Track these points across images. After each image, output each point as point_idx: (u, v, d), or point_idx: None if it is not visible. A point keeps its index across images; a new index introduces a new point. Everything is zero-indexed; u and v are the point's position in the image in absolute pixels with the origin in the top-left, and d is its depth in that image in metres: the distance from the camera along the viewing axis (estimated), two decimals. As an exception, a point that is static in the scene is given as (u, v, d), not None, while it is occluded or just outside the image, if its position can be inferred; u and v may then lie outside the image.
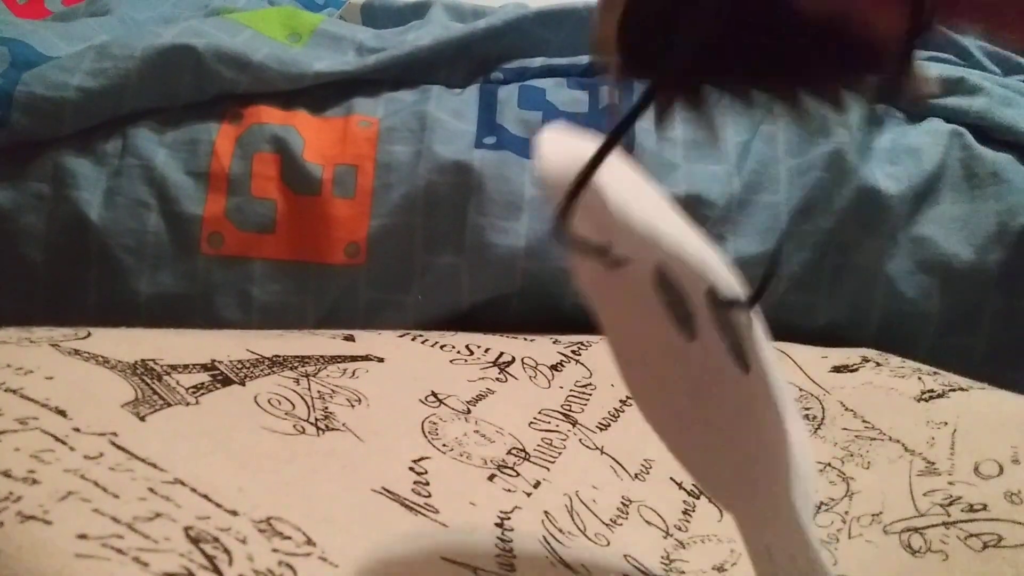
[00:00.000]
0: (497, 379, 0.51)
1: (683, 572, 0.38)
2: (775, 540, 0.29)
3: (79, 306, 0.60)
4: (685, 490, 0.44)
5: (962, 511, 0.39)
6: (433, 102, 0.63)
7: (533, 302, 0.62)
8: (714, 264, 0.27)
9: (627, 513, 0.42)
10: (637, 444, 0.47)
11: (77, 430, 0.33)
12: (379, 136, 0.62)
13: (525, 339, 0.56)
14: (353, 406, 0.44)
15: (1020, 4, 0.23)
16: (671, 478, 0.45)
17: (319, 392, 0.44)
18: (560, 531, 0.39)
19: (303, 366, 0.46)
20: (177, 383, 0.40)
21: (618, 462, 0.46)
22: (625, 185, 0.26)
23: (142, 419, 0.36)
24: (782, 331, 0.61)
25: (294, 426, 0.40)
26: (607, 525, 0.41)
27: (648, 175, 0.59)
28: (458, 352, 0.53)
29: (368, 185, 0.61)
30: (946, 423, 0.45)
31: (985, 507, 0.39)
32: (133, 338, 0.44)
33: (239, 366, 0.44)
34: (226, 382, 0.42)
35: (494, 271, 0.60)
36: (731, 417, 0.29)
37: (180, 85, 0.62)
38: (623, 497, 0.43)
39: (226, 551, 0.28)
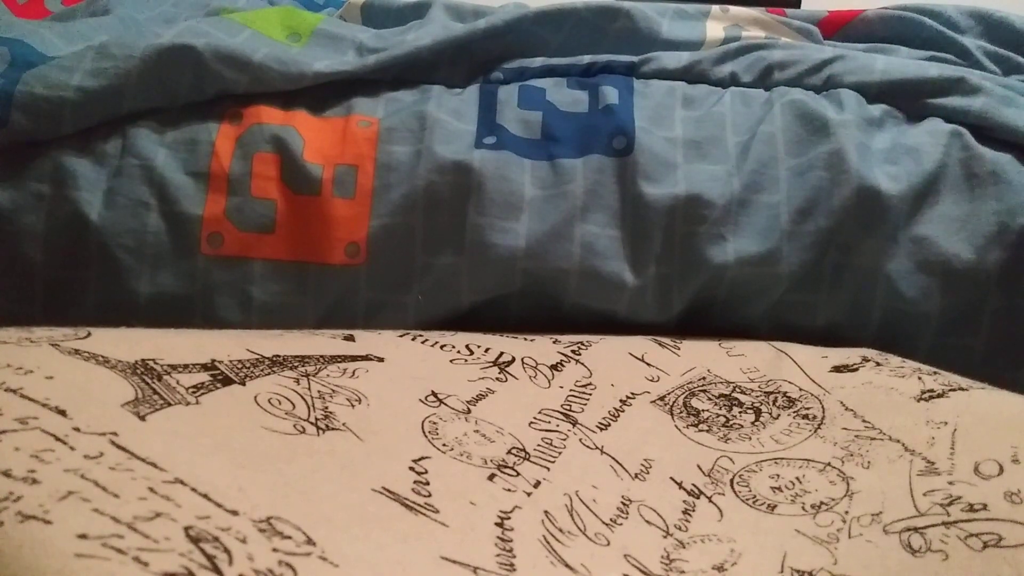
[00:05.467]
0: (497, 379, 0.51)
1: (683, 572, 0.38)
2: None
3: (79, 306, 0.59)
4: (685, 490, 0.44)
5: (962, 511, 0.39)
6: (433, 102, 0.63)
7: (533, 302, 0.62)
8: None
9: (627, 513, 0.42)
10: (637, 444, 0.47)
11: (77, 430, 0.33)
12: (379, 136, 0.62)
13: (525, 339, 0.56)
14: (353, 406, 0.44)
15: None
16: (671, 478, 0.45)
17: (319, 392, 0.44)
18: (560, 531, 0.39)
19: (303, 366, 0.46)
20: (177, 383, 0.40)
21: (618, 462, 0.46)
22: None
23: (142, 419, 0.36)
24: (782, 331, 0.62)
25: (294, 426, 0.40)
26: (607, 525, 0.41)
27: (648, 175, 0.60)
28: (458, 352, 0.53)
29: (368, 185, 0.61)
30: (946, 423, 0.45)
31: (985, 507, 0.39)
32: (133, 338, 0.44)
33: (239, 366, 0.44)
34: (226, 382, 0.42)
35: (494, 271, 0.60)
36: None
37: (180, 85, 0.62)
38: (623, 497, 0.43)
39: (226, 551, 0.28)
